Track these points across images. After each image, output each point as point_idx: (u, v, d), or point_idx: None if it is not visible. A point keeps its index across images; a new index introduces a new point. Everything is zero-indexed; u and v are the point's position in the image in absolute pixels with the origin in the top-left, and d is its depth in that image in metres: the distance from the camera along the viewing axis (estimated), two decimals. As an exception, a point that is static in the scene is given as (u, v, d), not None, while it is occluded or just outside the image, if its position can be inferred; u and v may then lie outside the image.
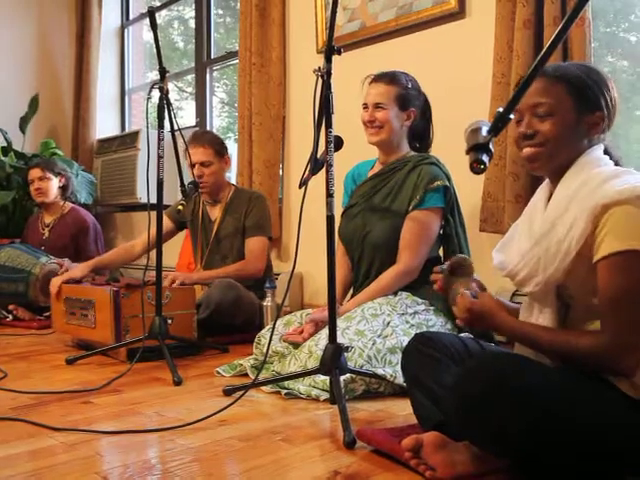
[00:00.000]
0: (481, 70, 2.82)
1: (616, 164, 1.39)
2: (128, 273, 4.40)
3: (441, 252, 2.52)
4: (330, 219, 1.85)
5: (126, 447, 1.58)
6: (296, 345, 2.23)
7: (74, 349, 2.84)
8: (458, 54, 2.99)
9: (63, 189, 4.11)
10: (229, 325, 2.90)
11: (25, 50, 5.23)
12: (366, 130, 2.46)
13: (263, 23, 3.84)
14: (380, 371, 1.98)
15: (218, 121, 5.02)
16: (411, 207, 2.37)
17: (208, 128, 4.66)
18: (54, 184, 4.05)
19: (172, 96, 2.54)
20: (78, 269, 3.04)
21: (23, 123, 4.88)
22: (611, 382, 1.24)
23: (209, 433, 1.67)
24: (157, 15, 2.57)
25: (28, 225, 4.26)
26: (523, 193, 2.58)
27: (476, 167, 1.23)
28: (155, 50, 2.53)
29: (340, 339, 1.90)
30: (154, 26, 2.49)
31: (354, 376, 1.97)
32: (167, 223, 3.22)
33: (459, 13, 2.97)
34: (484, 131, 1.25)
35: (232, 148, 3.30)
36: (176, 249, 3.99)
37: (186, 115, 5.23)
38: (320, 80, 1.87)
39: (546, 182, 1.47)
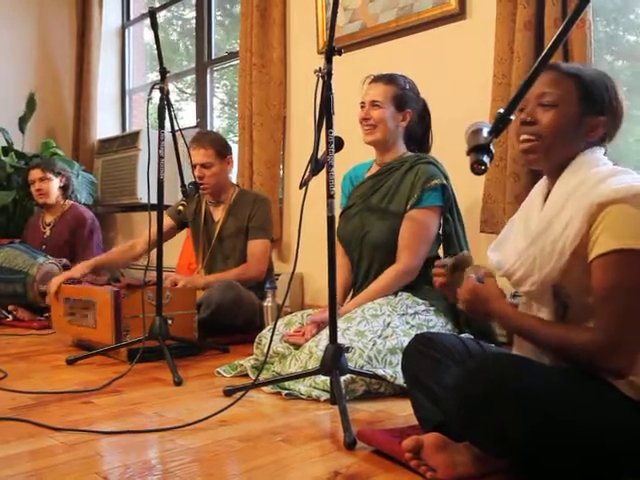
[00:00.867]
0: (482, 71, 2.82)
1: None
2: (129, 273, 4.40)
3: (441, 251, 2.52)
4: (331, 220, 1.85)
5: (126, 447, 1.58)
6: (297, 346, 2.23)
7: (74, 349, 2.84)
8: (459, 55, 2.99)
9: (64, 189, 4.11)
10: (230, 325, 2.90)
11: (25, 50, 5.23)
12: (362, 129, 2.47)
13: (264, 24, 3.84)
14: (380, 372, 1.98)
15: (218, 122, 5.02)
16: (409, 206, 2.37)
17: (209, 129, 4.66)
18: (55, 184, 4.06)
19: (172, 97, 2.54)
20: (77, 269, 3.03)
21: (22, 123, 4.88)
22: (611, 383, 1.24)
23: (209, 433, 1.67)
24: (157, 15, 2.57)
25: (29, 224, 4.27)
26: (524, 194, 2.56)
27: (477, 168, 1.24)
28: (156, 51, 2.53)
29: (340, 340, 1.90)
30: (155, 26, 2.49)
31: (354, 377, 1.97)
32: (168, 222, 3.23)
33: (460, 14, 2.97)
34: (485, 132, 1.26)
35: (232, 149, 3.29)
36: (177, 249, 3.99)
37: (186, 116, 5.24)
38: (321, 81, 1.87)
39: (543, 179, 1.47)
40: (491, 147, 1.24)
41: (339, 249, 2.51)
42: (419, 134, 2.55)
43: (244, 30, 3.94)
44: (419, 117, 2.53)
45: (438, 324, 2.27)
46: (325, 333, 2.10)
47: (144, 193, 4.58)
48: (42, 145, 5.02)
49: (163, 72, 2.52)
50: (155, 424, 1.75)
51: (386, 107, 2.43)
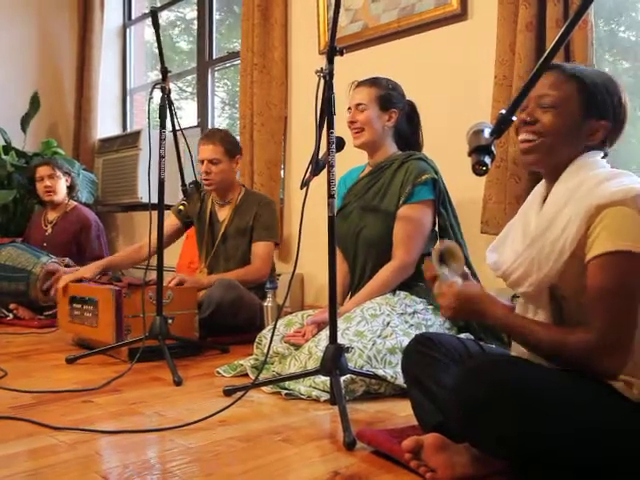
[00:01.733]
0: (483, 72, 2.82)
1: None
2: (129, 272, 4.40)
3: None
4: (331, 220, 1.85)
5: (126, 447, 1.58)
6: (297, 346, 2.24)
7: (75, 348, 2.84)
8: (460, 56, 2.99)
9: (69, 189, 4.13)
10: (230, 325, 2.89)
11: (27, 49, 5.23)
12: (351, 134, 2.48)
13: (265, 24, 3.84)
14: (380, 372, 1.98)
15: (219, 121, 5.02)
16: (401, 202, 2.38)
17: (209, 128, 4.66)
18: (62, 183, 4.08)
19: (172, 96, 2.54)
20: (88, 269, 3.03)
21: (24, 122, 4.89)
22: (610, 384, 1.24)
23: (209, 433, 1.67)
24: (159, 15, 2.57)
25: (31, 222, 4.28)
26: (524, 195, 2.57)
27: (478, 169, 1.24)
28: (157, 50, 2.53)
29: (340, 340, 1.90)
30: (156, 27, 2.50)
31: (354, 377, 1.97)
32: (174, 221, 3.23)
33: (461, 15, 2.97)
34: (486, 133, 1.26)
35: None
36: (177, 249, 3.99)
37: (186, 115, 5.23)
38: (322, 81, 1.87)
39: (542, 183, 1.47)
40: (492, 148, 1.24)
41: (338, 251, 2.51)
42: (408, 133, 2.56)
43: (245, 30, 3.94)
44: (407, 117, 2.54)
45: (436, 323, 2.28)
46: (325, 333, 2.10)
47: (145, 192, 4.59)
48: (43, 144, 5.02)
49: (164, 72, 2.52)
50: (155, 424, 1.76)
51: (371, 108, 2.45)
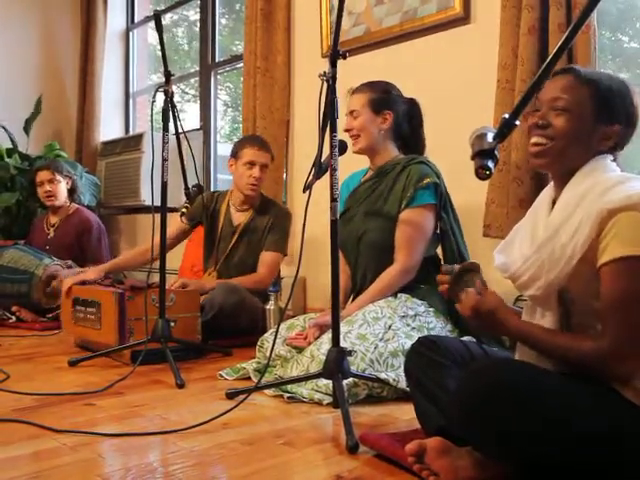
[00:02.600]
0: (485, 76, 2.82)
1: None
2: (131, 275, 4.40)
3: (439, 250, 2.52)
4: (334, 223, 1.85)
5: (128, 450, 1.58)
6: (300, 349, 2.24)
7: (77, 351, 2.84)
8: (463, 60, 2.99)
9: (70, 192, 4.13)
10: (232, 328, 2.90)
11: (31, 53, 5.24)
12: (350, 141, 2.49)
13: (268, 27, 3.85)
14: (383, 375, 1.98)
15: (222, 124, 5.03)
16: (403, 206, 2.38)
17: (212, 131, 4.67)
18: (63, 187, 4.07)
19: (175, 98, 2.55)
20: (92, 272, 3.02)
21: (27, 125, 4.89)
22: (614, 388, 1.24)
23: (211, 436, 1.66)
24: (162, 17, 2.57)
25: (33, 226, 4.28)
26: (527, 198, 2.58)
27: (481, 173, 1.24)
28: (160, 53, 2.54)
29: (342, 343, 1.90)
30: (160, 30, 2.50)
31: (357, 380, 1.96)
32: (180, 225, 3.21)
33: (464, 19, 2.98)
34: (489, 137, 1.26)
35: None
36: (179, 251, 3.99)
37: (189, 118, 5.24)
38: (325, 84, 1.87)
39: (550, 186, 1.46)
40: (496, 152, 1.24)
41: (340, 255, 2.51)
42: (407, 134, 2.55)
43: (248, 33, 3.95)
44: (406, 117, 2.52)
45: (438, 326, 2.28)
46: (327, 336, 2.10)
47: (147, 195, 4.59)
48: (46, 147, 5.03)
49: (167, 75, 2.52)
50: (157, 427, 1.75)
51: (364, 114, 2.46)
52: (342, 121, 1.94)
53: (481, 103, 2.83)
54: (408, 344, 1.88)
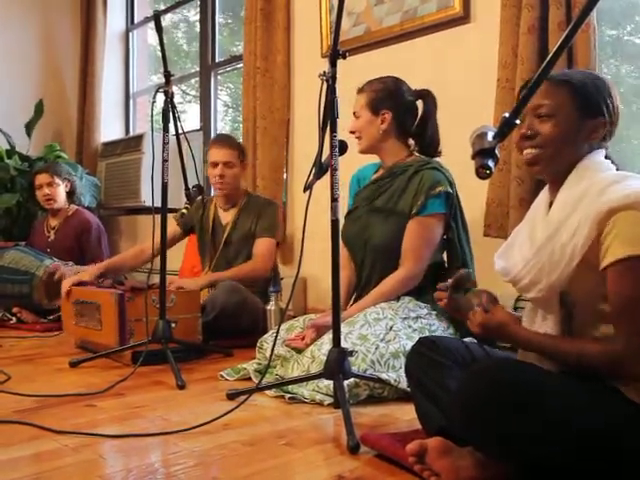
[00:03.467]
0: (485, 75, 2.82)
1: (617, 169, 1.39)
2: (131, 276, 4.40)
3: (445, 256, 2.52)
4: (335, 223, 1.85)
5: (129, 451, 1.58)
6: (298, 350, 2.23)
7: (78, 352, 2.84)
8: (463, 59, 2.99)
9: (69, 194, 4.12)
10: (233, 328, 2.90)
11: (30, 54, 5.24)
12: None
13: (268, 27, 3.85)
14: (384, 376, 1.98)
15: (222, 125, 5.02)
16: (413, 212, 2.36)
17: (212, 132, 4.67)
18: (62, 189, 4.06)
19: (175, 99, 2.55)
20: (87, 272, 3.03)
21: (29, 127, 4.89)
22: (616, 388, 1.24)
23: (213, 437, 1.66)
24: (162, 18, 2.57)
25: (34, 229, 4.28)
26: (527, 198, 2.57)
27: (482, 172, 1.23)
28: (160, 54, 2.54)
29: (343, 344, 1.89)
30: (159, 30, 2.50)
31: (358, 380, 1.96)
32: (174, 228, 3.22)
33: (464, 18, 2.97)
34: (490, 136, 1.25)
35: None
36: (180, 252, 3.99)
37: (189, 118, 5.24)
38: (325, 84, 1.87)
39: (546, 188, 1.46)
40: (496, 151, 1.24)
41: (343, 251, 2.51)
42: (414, 129, 2.50)
43: (248, 34, 3.95)
44: (409, 112, 2.48)
45: (440, 328, 2.27)
46: (327, 337, 2.10)
47: (148, 196, 4.59)
48: (46, 148, 5.03)
49: (167, 76, 2.52)
50: (158, 427, 1.75)
51: (362, 115, 2.45)
52: (343, 121, 1.94)
53: (481, 102, 2.83)
54: (409, 345, 1.88)
